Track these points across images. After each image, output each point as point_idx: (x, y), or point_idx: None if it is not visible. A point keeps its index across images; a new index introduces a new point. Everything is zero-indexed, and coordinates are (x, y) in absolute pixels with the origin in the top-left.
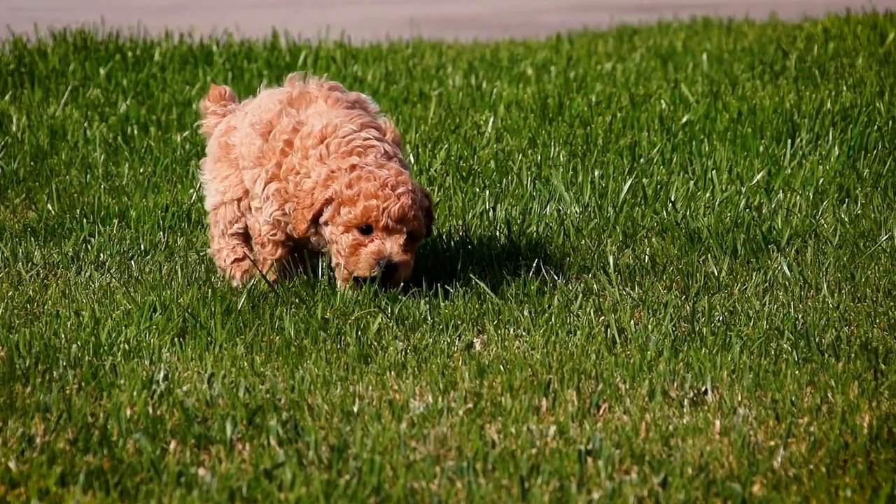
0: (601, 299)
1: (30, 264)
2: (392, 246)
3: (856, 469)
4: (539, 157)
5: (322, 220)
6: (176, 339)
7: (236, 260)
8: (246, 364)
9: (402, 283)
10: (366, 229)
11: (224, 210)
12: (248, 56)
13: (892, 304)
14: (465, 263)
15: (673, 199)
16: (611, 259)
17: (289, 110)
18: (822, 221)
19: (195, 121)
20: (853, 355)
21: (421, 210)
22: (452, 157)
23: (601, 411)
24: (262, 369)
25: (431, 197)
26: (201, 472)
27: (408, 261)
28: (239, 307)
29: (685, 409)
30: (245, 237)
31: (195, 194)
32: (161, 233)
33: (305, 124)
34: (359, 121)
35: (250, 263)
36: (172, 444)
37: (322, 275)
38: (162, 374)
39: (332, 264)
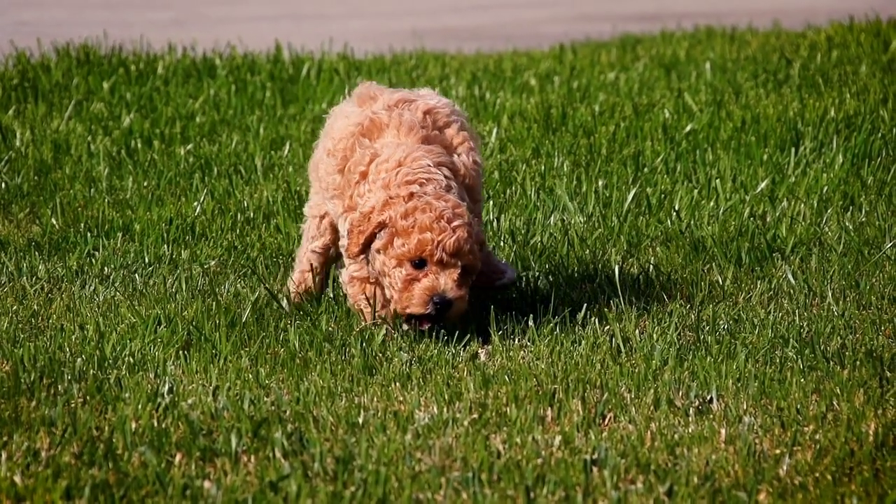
0: (606, 309)
1: (34, 278)
2: (446, 281)
3: (861, 477)
4: (543, 167)
5: (374, 246)
6: (180, 352)
7: (301, 272)
8: (251, 376)
9: (457, 320)
10: (419, 263)
11: (309, 223)
12: (251, 69)
13: None
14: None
15: (677, 208)
16: (615, 268)
17: (362, 141)
18: (827, 229)
19: (199, 134)
20: (858, 363)
21: (477, 243)
22: None
23: (606, 421)
24: (266, 381)
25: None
26: (206, 484)
27: (462, 296)
28: (243, 320)
29: (690, 418)
30: (324, 256)
31: (199, 207)
32: (165, 246)
33: (380, 154)
34: (436, 159)
35: (310, 284)
36: (177, 457)
37: (328, 287)
38: (167, 387)
39: (352, 301)
